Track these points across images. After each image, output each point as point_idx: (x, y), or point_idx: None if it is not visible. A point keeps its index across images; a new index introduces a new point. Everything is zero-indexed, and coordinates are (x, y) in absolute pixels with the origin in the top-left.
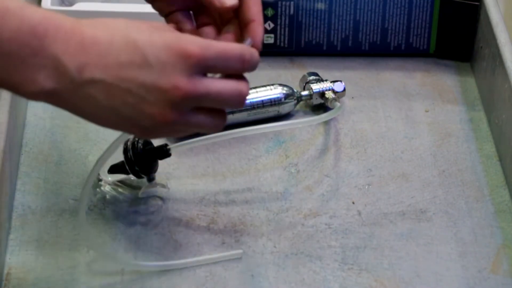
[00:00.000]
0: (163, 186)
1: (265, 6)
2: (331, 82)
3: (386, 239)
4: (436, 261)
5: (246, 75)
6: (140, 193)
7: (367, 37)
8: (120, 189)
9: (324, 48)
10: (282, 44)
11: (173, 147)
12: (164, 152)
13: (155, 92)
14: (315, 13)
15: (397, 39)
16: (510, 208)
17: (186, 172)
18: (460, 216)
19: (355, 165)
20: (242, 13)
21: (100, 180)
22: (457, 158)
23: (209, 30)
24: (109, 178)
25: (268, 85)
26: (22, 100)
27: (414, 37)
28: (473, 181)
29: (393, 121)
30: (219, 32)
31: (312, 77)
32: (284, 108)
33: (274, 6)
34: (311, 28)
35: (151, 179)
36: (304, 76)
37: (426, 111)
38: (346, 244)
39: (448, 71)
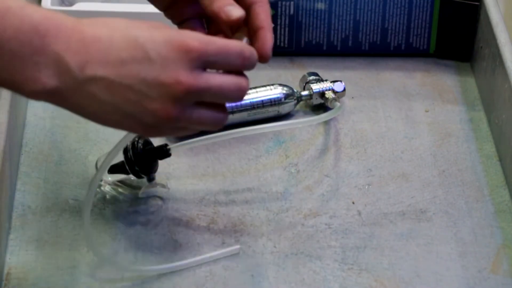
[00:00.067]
0: (163, 186)
1: None
2: (331, 82)
3: (386, 239)
4: (436, 261)
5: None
6: (140, 193)
7: (367, 37)
8: (120, 189)
9: (324, 48)
10: (282, 44)
11: (173, 147)
12: (164, 152)
13: (157, 87)
14: (315, 13)
15: (397, 39)
16: (510, 208)
17: (186, 172)
18: (460, 216)
19: (355, 165)
20: (250, 20)
21: (100, 180)
22: (457, 158)
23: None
24: (109, 178)
25: (268, 85)
26: (22, 100)
27: (414, 37)
28: (473, 181)
29: (393, 121)
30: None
31: (312, 77)
32: (284, 108)
33: (274, 6)
34: (311, 28)
35: (151, 179)
36: (304, 76)
37: (426, 111)
38: (346, 244)
39: (448, 71)
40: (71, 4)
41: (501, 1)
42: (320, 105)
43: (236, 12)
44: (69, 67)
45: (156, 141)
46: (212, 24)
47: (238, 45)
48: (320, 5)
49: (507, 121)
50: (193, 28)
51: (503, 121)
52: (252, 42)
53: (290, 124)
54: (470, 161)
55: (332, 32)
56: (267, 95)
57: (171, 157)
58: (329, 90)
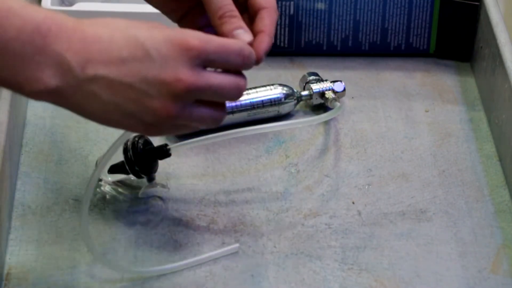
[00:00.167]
0: (163, 186)
1: None
2: (331, 82)
3: (386, 239)
4: (436, 261)
5: (245, 75)
6: (140, 193)
7: (367, 37)
8: (120, 189)
9: (324, 48)
10: (282, 44)
11: (173, 147)
12: (164, 152)
13: (158, 85)
14: (315, 13)
15: (397, 39)
16: (510, 208)
17: (186, 172)
18: (460, 216)
19: (355, 165)
20: (255, 23)
21: (100, 180)
22: (457, 158)
23: None
24: (109, 178)
25: (268, 85)
26: (22, 100)
27: (414, 37)
28: (473, 181)
29: (393, 121)
30: None
31: (312, 77)
32: (284, 108)
33: None
34: (311, 28)
35: (151, 179)
36: (304, 76)
37: (426, 111)
38: (346, 244)
39: (448, 71)
40: (71, 4)
41: (501, 1)
42: (320, 105)
43: (246, 36)
44: (70, 66)
45: (156, 141)
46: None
47: (238, 44)
48: (320, 5)
49: (507, 121)
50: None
51: (503, 121)
52: (250, 43)
53: (290, 124)
54: (470, 161)
55: (332, 32)
56: (267, 95)
57: (171, 157)
58: (329, 90)
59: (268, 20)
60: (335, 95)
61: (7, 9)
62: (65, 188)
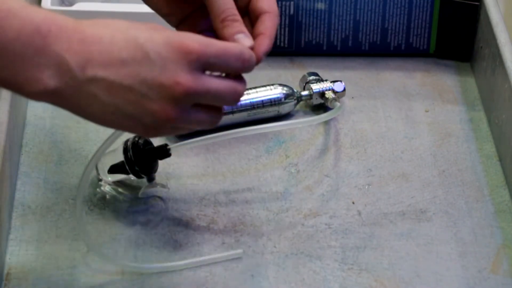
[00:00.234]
0: (163, 186)
1: None
2: (331, 82)
3: (386, 239)
4: (436, 261)
5: (245, 75)
6: (140, 193)
7: (367, 37)
8: (120, 189)
9: (324, 48)
10: (282, 44)
11: (173, 147)
12: (164, 152)
13: (157, 88)
14: (315, 13)
15: (397, 39)
16: (510, 208)
17: (186, 172)
18: (460, 216)
19: (355, 165)
20: (256, 26)
21: (100, 180)
22: (457, 158)
23: None
24: (109, 178)
25: (268, 85)
26: (22, 100)
27: (414, 37)
28: (473, 181)
29: (393, 121)
30: None
31: (312, 77)
32: (284, 108)
33: None
34: (311, 28)
35: (151, 179)
36: (304, 76)
37: (426, 111)
38: (346, 244)
39: (448, 71)
40: (71, 4)
41: (501, 1)
42: (320, 105)
43: (246, 41)
44: (70, 67)
45: (156, 141)
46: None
47: (238, 48)
48: (320, 5)
49: (507, 121)
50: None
51: (503, 121)
52: (251, 48)
53: (290, 124)
54: (470, 161)
55: (332, 32)
56: (267, 95)
57: (171, 157)
58: (329, 90)
59: (269, 23)
60: (335, 95)
61: (7, 9)
62: (65, 188)
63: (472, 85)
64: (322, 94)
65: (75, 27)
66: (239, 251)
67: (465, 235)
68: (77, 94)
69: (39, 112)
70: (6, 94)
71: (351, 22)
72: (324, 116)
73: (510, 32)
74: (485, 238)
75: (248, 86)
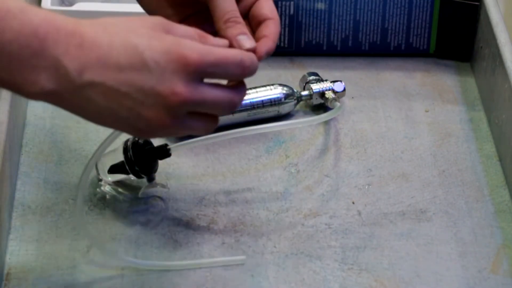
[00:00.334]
0: (163, 186)
1: None
2: (331, 82)
3: (386, 239)
4: (436, 261)
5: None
6: (140, 193)
7: (367, 37)
8: (120, 189)
9: (324, 48)
10: (282, 44)
11: (173, 147)
12: (164, 152)
13: (153, 96)
14: (315, 13)
15: (397, 39)
16: (510, 208)
17: (186, 172)
18: (460, 216)
19: (355, 165)
20: (259, 30)
21: (100, 180)
22: (457, 158)
23: None
24: (109, 178)
25: (268, 85)
26: (22, 100)
27: (414, 37)
28: (473, 181)
29: (393, 121)
30: None
31: (312, 77)
32: (284, 108)
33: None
34: (311, 28)
35: (151, 179)
36: (304, 76)
37: (426, 111)
38: (346, 244)
39: (448, 71)
40: (71, 4)
41: (501, 1)
42: (320, 105)
43: (248, 43)
44: (67, 71)
45: (156, 141)
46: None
47: (238, 55)
48: (320, 5)
49: (507, 121)
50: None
51: (503, 121)
52: (252, 50)
53: (290, 124)
54: (470, 161)
55: (332, 32)
56: (267, 95)
57: (171, 157)
58: (329, 90)
59: (273, 29)
60: (335, 95)
61: (5, 11)
62: (65, 188)
63: (472, 85)
64: (322, 94)
65: (74, 30)
66: (242, 257)
67: (465, 235)
68: (73, 97)
69: (39, 112)
70: (6, 94)
71: (351, 22)
72: (324, 116)
73: (510, 32)
74: (485, 238)
75: (248, 86)
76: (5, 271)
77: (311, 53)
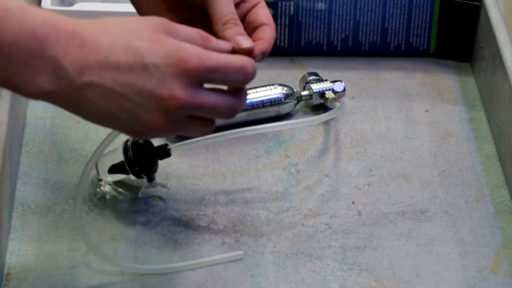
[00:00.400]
0: (163, 186)
1: None
2: (331, 82)
3: (386, 239)
4: (436, 261)
5: None
6: (140, 193)
7: (367, 37)
8: (120, 189)
9: (324, 48)
10: (282, 44)
11: (173, 147)
12: (164, 152)
13: (152, 99)
14: (315, 13)
15: (397, 39)
16: (510, 208)
17: (186, 172)
18: (460, 216)
19: (355, 165)
20: (256, 33)
21: (100, 180)
22: (457, 158)
23: None
24: (109, 178)
25: (268, 85)
26: (22, 100)
27: (414, 37)
28: (473, 181)
29: (393, 121)
30: None
31: (312, 77)
32: (284, 108)
33: (274, 6)
34: (311, 28)
35: (151, 179)
36: (304, 76)
37: (426, 111)
38: (346, 244)
39: (448, 71)
40: (71, 4)
41: (501, 1)
42: (320, 105)
43: (246, 43)
44: (67, 72)
45: (156, 141)
46: None
47: (240, 61)
48: (320, 5)
49: (507, 121)
50: None
51: (503, 121)
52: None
53: (290, 124)
54: (470, 161)
55: (332, 32)
56: (267, 95)
57: (171, 157)
58: (329, 90)
59: (270, 33)
60: (335, 95)
61: (5, 11)
62: (65, 188)
63: (472, 85)
64: (322, 94)
65: (74, 30)
66: (240, 252)
67: (465, 235)
68: (73, 97)
69: (39, 112)
70: (6, 94)
71: (351, 22)
72: (324, 116)
73: (510, 32)
74: (485, 238)
75: (248, 86)
76: (5, 271)
77: (311, 53)
